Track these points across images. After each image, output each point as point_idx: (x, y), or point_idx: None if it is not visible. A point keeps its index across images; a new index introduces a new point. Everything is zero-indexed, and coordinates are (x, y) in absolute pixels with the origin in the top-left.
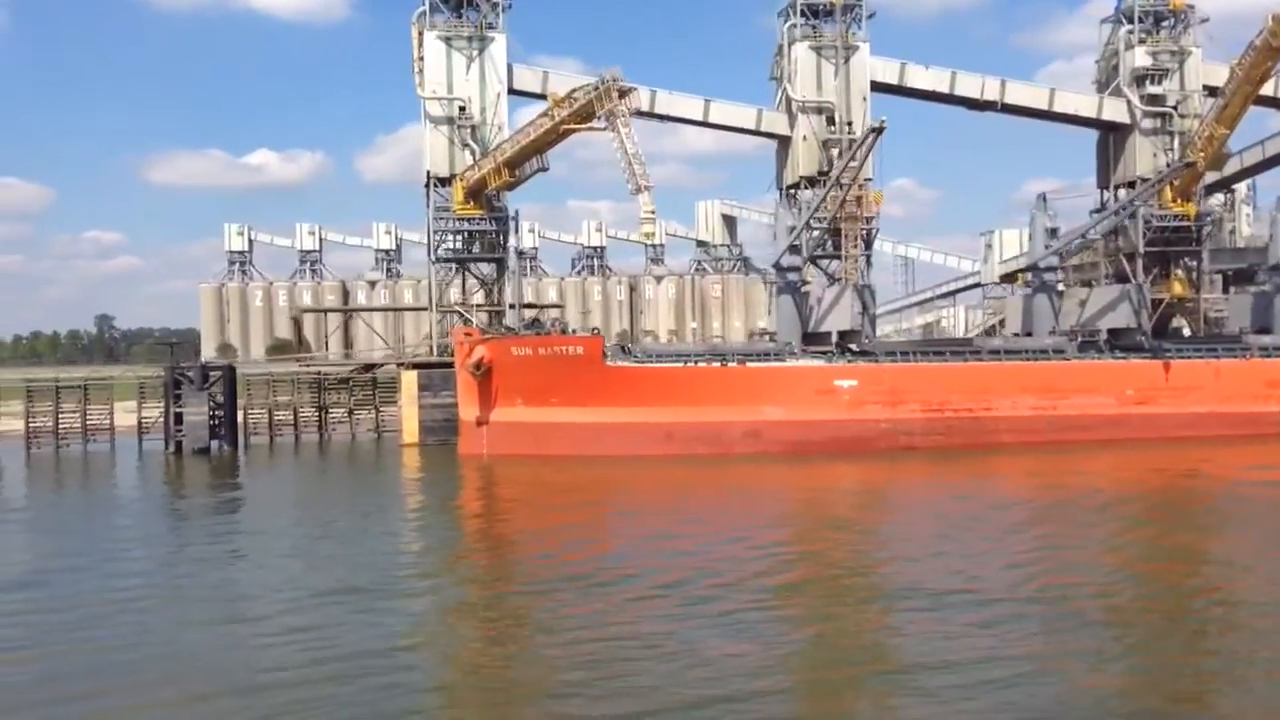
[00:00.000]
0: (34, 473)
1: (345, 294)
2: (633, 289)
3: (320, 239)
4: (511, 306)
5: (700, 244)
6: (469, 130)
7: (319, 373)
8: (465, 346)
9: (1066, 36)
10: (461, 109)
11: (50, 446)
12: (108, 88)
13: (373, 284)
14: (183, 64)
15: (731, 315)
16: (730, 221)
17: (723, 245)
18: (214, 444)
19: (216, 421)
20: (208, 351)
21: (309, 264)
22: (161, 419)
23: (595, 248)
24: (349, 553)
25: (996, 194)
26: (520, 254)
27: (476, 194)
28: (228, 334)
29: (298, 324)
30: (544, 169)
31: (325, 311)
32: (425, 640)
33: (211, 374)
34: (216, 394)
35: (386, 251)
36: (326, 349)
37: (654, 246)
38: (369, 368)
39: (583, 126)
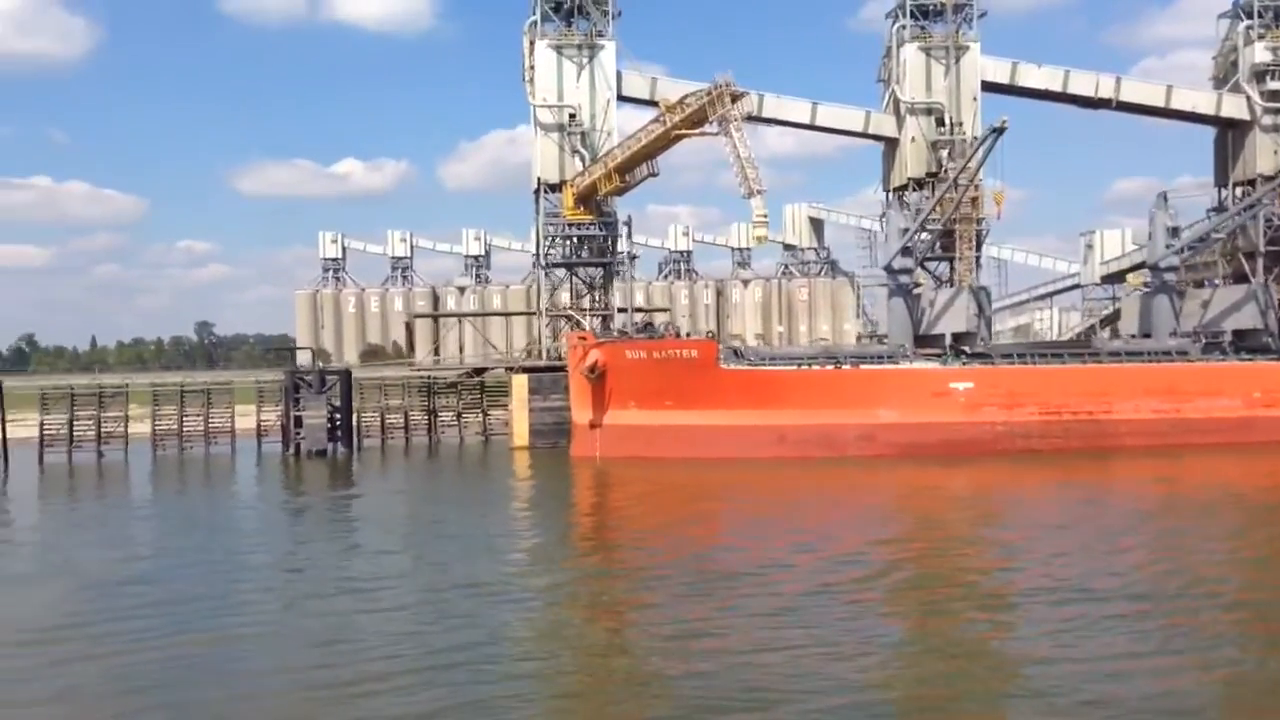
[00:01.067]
0: (160, 474)
1: (435, 300)
2: (719, 293)
3: (411, 245)
4: (622, 310)
5: (787, 247)
6: (579, 137)
7: (428, 377)
8: (579, 350)
9: (1158, 33)
10: (572, 116)
11: (175, 449)
12: (200, 101)
13: (462, 290)
14: (272, 76)
15: (818, 319)
16: (817, 224)
17: (809, 248)
18: (331, 446)
19: (334, 424)
20: (302, 357)
21: (400, 270)
22: (279, 422)
23: (682, 252)
24: (468, 548)
25: (1086, 194)
26: (633, 258)
27: (586, 199)
28: (321, 339)
29: (409, 329)
30: (654, 174)
31: (437, 316)
32: (539, 634)
33: (328, 378)
34: (334, 397)
35: (475, 257)
36: (436, 354)
37: (740, 250)
38: (477, 371)
39: (694, 132)
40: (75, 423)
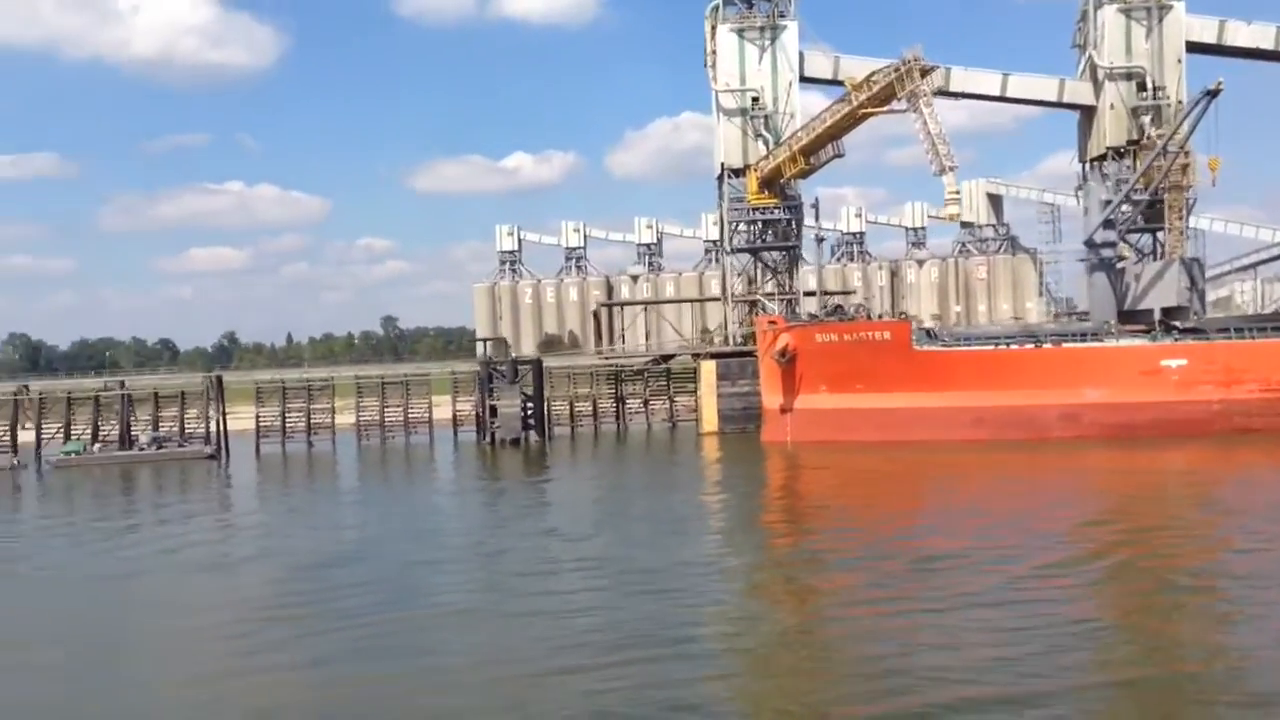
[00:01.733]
0: (364, 462)
1: (609, 288)
2: (893, 274)
3: (585, 236)
4: (809, 294)
5: (964, 225)
6: (762, 120)
7: (615, 365)
8: (769, 335)
9: None
10: (755, 99)
11: (377, 438)
12: (377, 102)
13: (635, 278)
14: (445, 75)
15: (998, 298)
16: (995, 200)
17: (988, 225)
18: (524, 434)
19: (527, 413)
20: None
21: (574, 260)
22: (474, 411)
23: (854, 233)
24: (663, 531)
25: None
26: (820, 240)
27: (770, 183)
28: (499, 330)
29: (596, 317)
30: (839, 155)
31: (623, 304)
32: (734, 614)
33: (521, 368)
34: (526, 387)
35: (648, 245)
36: (623, 342)
37: (914, 230)
38: (664, 358)
39: (881, 110)
40: (286, 415)
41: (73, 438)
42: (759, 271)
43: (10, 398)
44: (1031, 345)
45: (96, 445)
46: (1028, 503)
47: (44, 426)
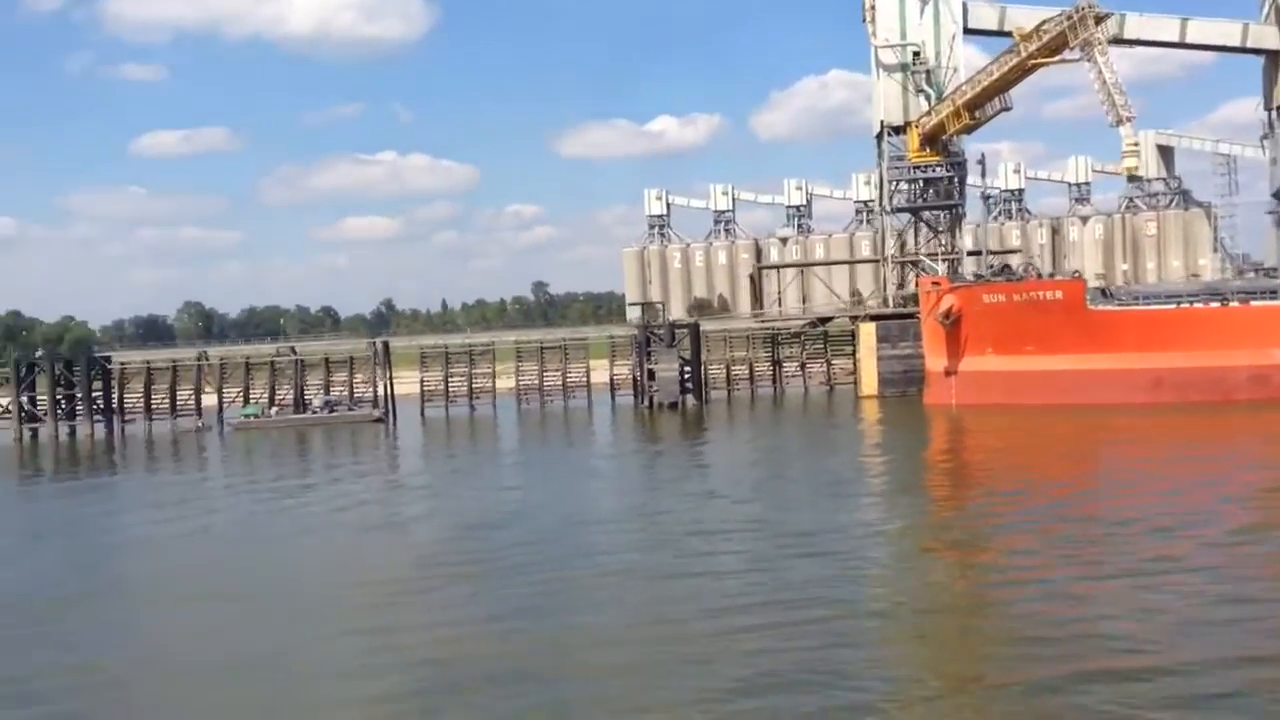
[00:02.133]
0: (524, 425)
1: (758, 251)
2: (1055, 231)
3: (733, 199)
4: (974, 253)
5: (1132, 179)
6: (923, 75)
7: (772, 328)
8: (932, 296)
9: None
10: (916, 54)
11: (536, 402)
12: (524, 69)
13: (784, 240)
14: (591, 41)
15: (1168, 254)
16: (1166, 152)
17: (1158, 179)
18: (682, 398)
19: (685, 377)
20: (633, 313)
21: (722, 224)
22: (631, 375)
23: (1013, 190)
24: (824, 494)
25: None
26: (987, 198)
27: (932, 140)
28: (649, 294)
29: (753, 280)
30: (1007, 109)
31: (778, 267)
32: (897, 577)
33: (678, 332)
34: (683, 350)
35: (797, 207)
36: (780, 305)
37: (1077, 185)
38: (821, 321)
39: (1052, 60)
40: (449, 379)
41: (251, 401)
42: (917, 231)
43: (194, 364)
44: (1217, 303)
45: (273, 409)
46: (1216, 467)
47: (224, 391)
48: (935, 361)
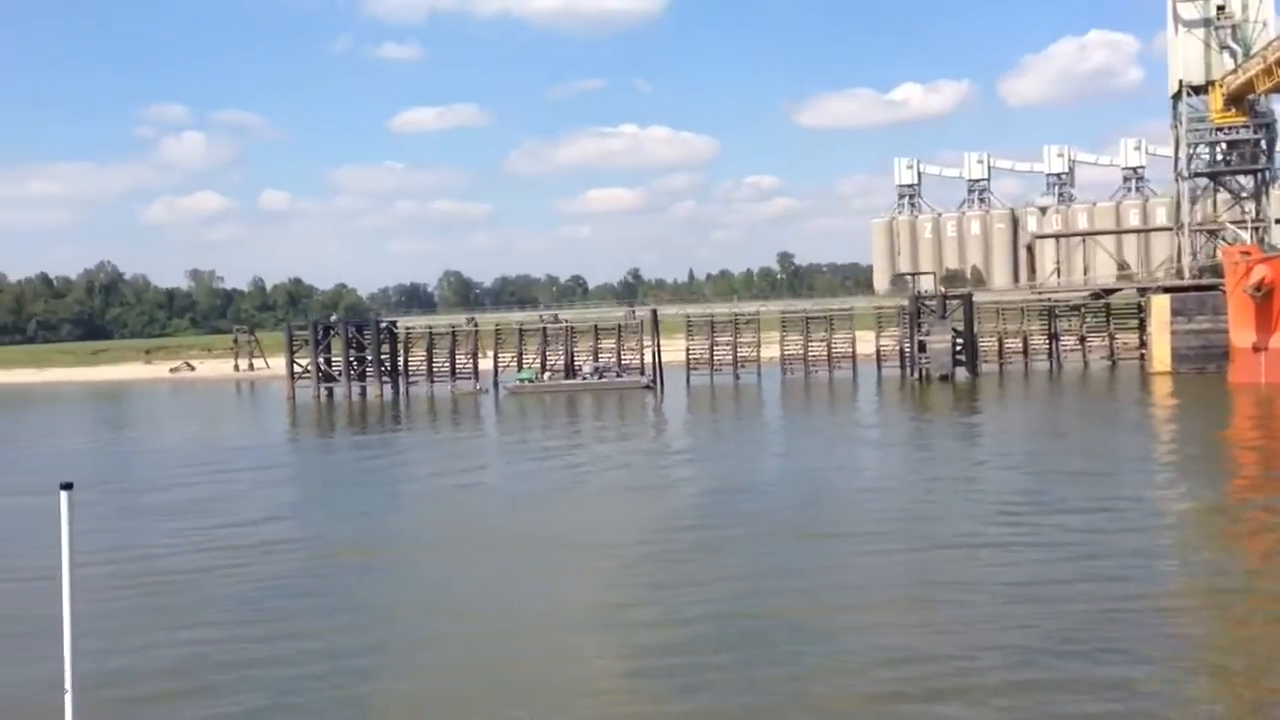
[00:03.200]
0: (788, 395)
1: (1014, 221)
2: None
3: (988, 167)
4: None
5: None
6: (1228, 31)
7: (1049, 300)
8: (1241, 266)
9: None
10: (1220, 8)
11: (800, 373)
12: (764, 38)
13: (1043, 210)
14: (830, 8)
15: None
16: None
17: None
18: (954, 370)
19: (957, 349)
20: (881, 284)
21: (976, 193)
22: (897, 347)
23: None
24: (1113, 472)
25: None
26: None
27: (1237, 100)
28: (898, 265)
29: (1030, 250)
30: None
31: (1057, 236)
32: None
33: (950, 303)
34: (956, 323)
35: (1058, 175)
36: (1058, 276)
37: None
38: (1105, 293)
39: None
40: (715, 347)
41: (524, 366)
42: (1213, 198)
43: (472, 330)
44: None
45: (546, 374)
46: None
47: (498, 355)
48: (1242, 336)
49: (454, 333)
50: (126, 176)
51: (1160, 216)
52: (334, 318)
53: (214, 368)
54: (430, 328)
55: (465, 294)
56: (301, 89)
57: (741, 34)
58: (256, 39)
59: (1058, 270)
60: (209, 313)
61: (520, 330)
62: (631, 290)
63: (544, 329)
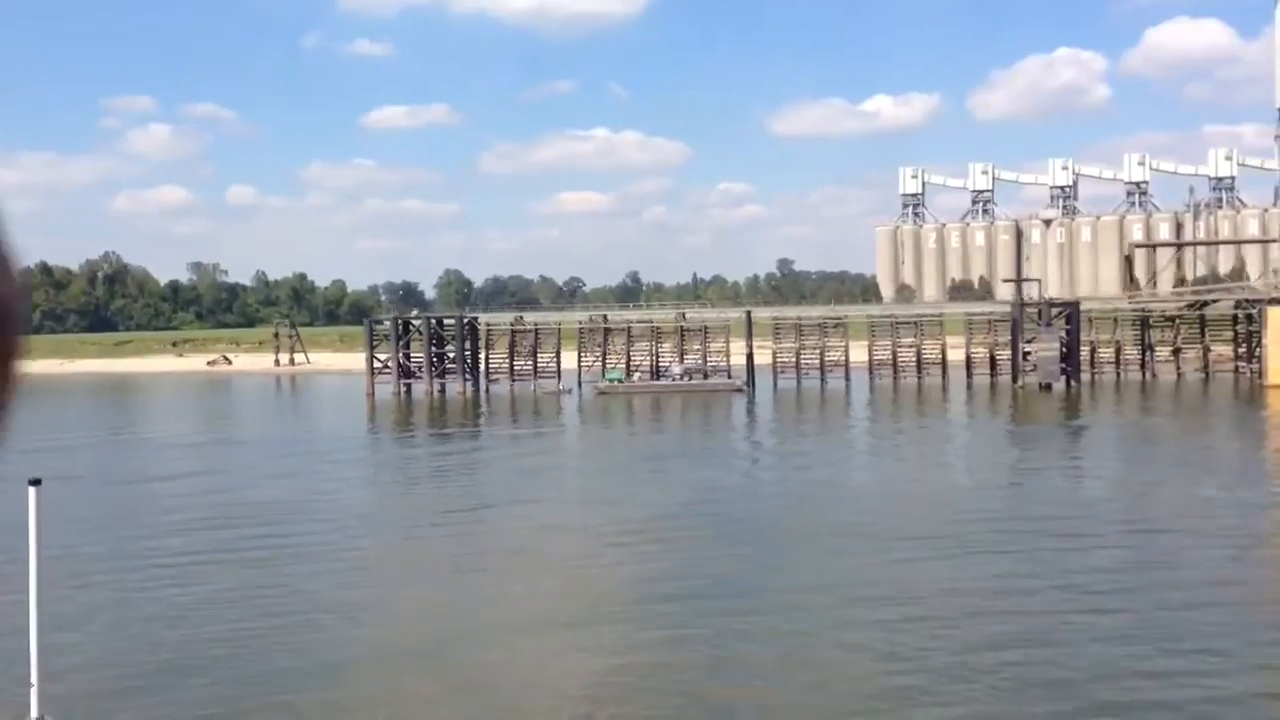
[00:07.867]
0: (876, 400)
1: (1018, 233)
2: None
3: (993, 178)
4: None
5: None
6: None
7: (1143, 310)
8: None
9: None
10: None
11: (888, 377)
12: (738, 47)
13: (1048, 222)
14: (806, 17)
15: None
16: None
17: None
18: (1059, 380)
19: (1063, 357)
20: (887, 293)
21: (980, 204)
22: (988, 354)
23: None
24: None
25: None
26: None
27: None
28: (902, 275)
29: (1129, 261)
30: None
31: (1158, 246)
32: None
33: (1053, 311)
34: (1062, 330)
35: (1062, 188)
36: (1154, 285)
37: None
38: (1203, 304)
39: None
40: (801, 351)
41: (610, 367)
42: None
43: (555, 327)
44: None
45: (635, 375)
46: None
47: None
48: None
49: (536, 330)
50: (92, 167)
51: (1164, 231)
52: (415, 313)
53: (251, 362)
54: (512, 324)
55: (464, 294)
56: (272, 84)
57: (717, 41)
58: (227, 32)
59: (1152, 281)
60: (214, 306)
61: (605, 329)
62: (631, 293)
63: (629, 328)
